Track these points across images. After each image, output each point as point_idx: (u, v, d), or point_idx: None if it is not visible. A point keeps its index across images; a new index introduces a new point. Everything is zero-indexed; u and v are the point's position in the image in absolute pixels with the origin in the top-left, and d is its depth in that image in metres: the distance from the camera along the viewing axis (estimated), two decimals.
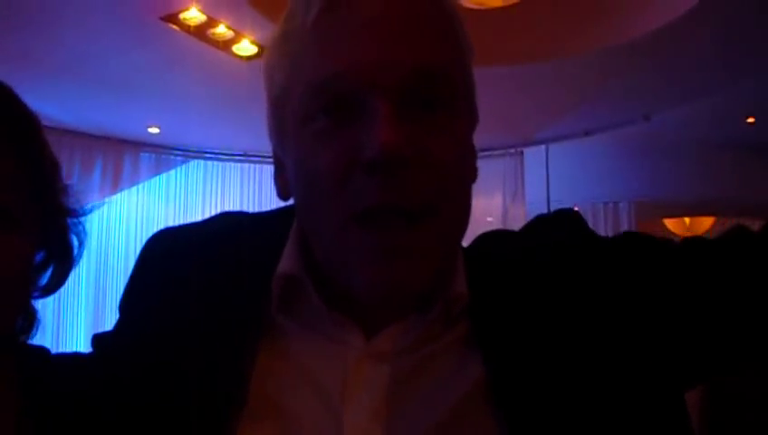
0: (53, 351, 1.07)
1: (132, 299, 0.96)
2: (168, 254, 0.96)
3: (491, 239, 0.97)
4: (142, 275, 0.96)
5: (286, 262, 0.86)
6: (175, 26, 4.44)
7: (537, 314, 0.84)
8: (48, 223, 1.00)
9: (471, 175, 0.88)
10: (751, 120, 6.81)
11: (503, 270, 0.88)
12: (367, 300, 0.82)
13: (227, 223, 1.00)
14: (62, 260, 1.05)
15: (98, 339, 1.01)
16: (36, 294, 1.03)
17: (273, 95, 0.87)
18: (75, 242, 1.06)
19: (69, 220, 1.04)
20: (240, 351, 0.84)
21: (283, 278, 0.85)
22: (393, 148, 0.74)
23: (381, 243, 0.77)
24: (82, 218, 1.06)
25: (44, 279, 1.04)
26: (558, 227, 0.96)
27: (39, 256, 1.02)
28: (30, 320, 1.05)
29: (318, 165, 0.79)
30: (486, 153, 7.02)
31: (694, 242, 0.92)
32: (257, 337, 0.85)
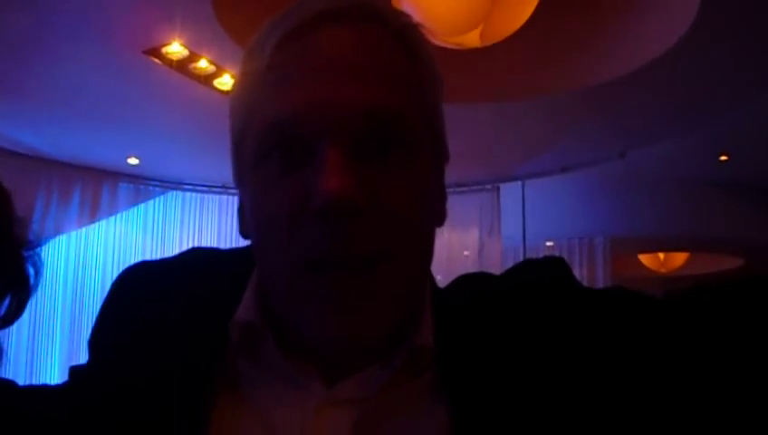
0: (27, 381, 1.06)
1: (99, 337, 0.94)
2: (134, 292, 0.93)
3: (469, 283, 0.94)
4: (109, 312, 0.94)
5: (244, 308, 0.84)
6: (157, 60, 4.46)
7: (508, 366, 0.80)
8: (2, 255, 1.00)
9: (433, 217, 0.84)
10: (724, 157, 6.92)
11: (476, 317, 0.85)
12: (319, 350, 0.80)
13: (195, 260, 0.98)
14: (19, 291, 1.04)
15: (72, 372, 0.99)
16: None
17: (233, 138, 0.84)
18: (31, 272, 1.06)
19: (24, 251, 1.04)
20: (198, 397, 0.81)
21: (239, 325, 0.82)
22: (340, 196, 0.71)
23: (330, 294, 0.74)
24: (38, 248, 1.06)
25: (1, 311, 1.03)
26: (542, 274, 0.91)
27: None
28: None
29: (268, 210, 0.77)
30: (463, 188, 7.07)
31: (679, 314, 0.86)
32: (216, 382, 0.83)
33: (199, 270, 0.93)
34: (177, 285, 0.92)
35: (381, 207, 0.74)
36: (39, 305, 6.79)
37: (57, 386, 1.03)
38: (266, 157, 0.77)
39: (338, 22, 0.78)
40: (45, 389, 1.06)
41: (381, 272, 0.75)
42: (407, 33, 0.82)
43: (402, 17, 0.83)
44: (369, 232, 0.74)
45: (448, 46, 3.77)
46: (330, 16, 0.78)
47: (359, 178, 0.73)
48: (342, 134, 0.74)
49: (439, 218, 0.87)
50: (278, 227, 0.76)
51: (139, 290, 0.93)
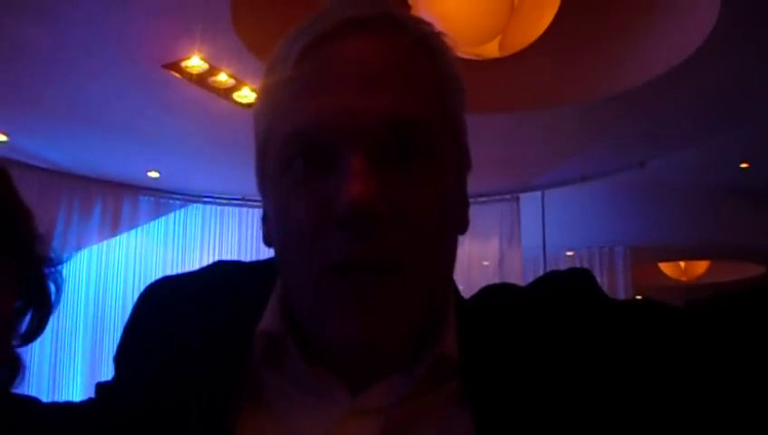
0: (49, 394, 1.07)
1: (124, 353, 0.95)
2: (158, 307, 0.94)
3: (494, 293, 0.93)
4: (133, 328, 0.95)
5: (268, 318, 0.84)
6: (177, 74, 4.49)
7: (532, 377, 0.80)
8: (24, 273, 1.01)
9: (455, 225, 0.84)
10: (745, 165, 6.87)
11: (501, 328, 0.84)
12: (342, 354, 0.80)
13: (219, 273, 0.98)
14: (41, 307, 1.06)
15: (99, 388, 0.99)
16: (17, 342, 1.04)
17: (257, 146, 0.85)
18: (53, 288, 1.08)
19: (45, 268, 1.06)
20: (222, 409, 0.82)
21: (264, 335, 0.83)
22: (363, 203, 0.71)
23: (353, 298, 0.75)
24: (59, 266, 1.08)
25: (24, 327, 1.05)
26: (568, 286, 0.89)
27: (17, 305, 1.03)
28: (13, 369, 1.05)
29: (292, 217, 0.77)
30: (483, 199, 7.07)
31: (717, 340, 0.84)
32: (240, 394, 0.83)
33: (222, 284, 0.94)
34: (200, 299, 0.92)
35: (404, 213, 0.74)
36: (61, 319, 6.83)
37: (81, 403, 1.03)
38: (290, 164, 0.78)
39: (362, 30, 0.79)
40: (69, 406, 1.07)
41: (405, 275, 0.75)
42: (429, 42, 0.83)
43: (425, 26, 0.84)
44: (392, 238, 0.74)
45: (467, 57, 3.77)
46: (354, 25, 0.78)
47: (381, 184, 0.73)
48: (365, 141, 0.74)
49: (461, 226, 0.87)
50: (302, 233, 0.76)
51: (163, 305, 0.94)
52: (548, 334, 0.83)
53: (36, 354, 6.57)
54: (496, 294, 0.93)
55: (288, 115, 0.78)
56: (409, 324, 0.78)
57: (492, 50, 3.76)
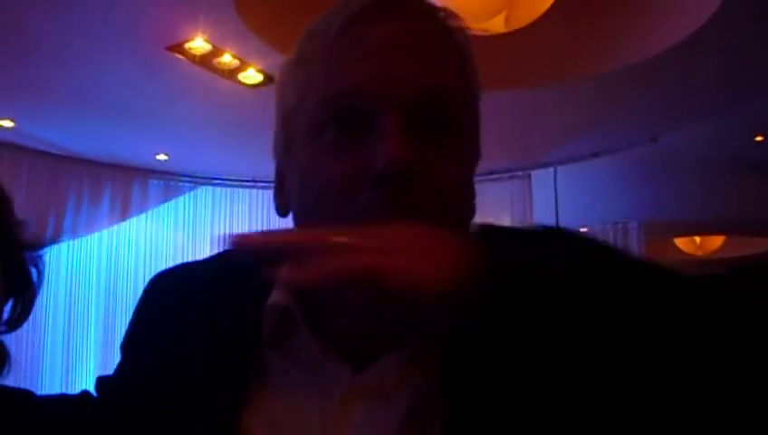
0: (63, 382, 1.07)
1: (133, 341, 0.96)
2: (167, 294, 0.96)
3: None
4: (141, 315, 0.97)
5: (278, 293, 0.85)
6: (180, 56, 4.47)
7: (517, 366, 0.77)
8: (7, 258, 1.02)
9: (473, 205, 0.87)
10: (759, 138, 6.79)
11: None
12: (350, 320, 0.82)
13: (227, 260, 0.97)
14: (24, 293, 1.07)
15: (99, 381, 1.01)
16: (2, 329, 1.05)
17: (284, 113, 0.88)
18: (34, 273, 1.08)
19: (26, 254, 1.07)
20: (231, 394, 0.83)
21: (273, 309, 0.85)
22: (402, 161, 0.74)
23: None
24: (39, 251, 1.10)
25: (6, 314, 1.05)
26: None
27: None
28: (1, 357, 1.06)
29: (323, 177, 0.79)
30: (494, 176, 7.04)
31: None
32: (249, 376, 0.85)
33: (231, 269, 0.93)
34: (206, 287, 0.93)
35: (432, 181, 0.77)
36: (73, 303, 6.89)
37: (76, 396, 1.03)
38: (323, 129, 0.80)
39: (397, 12, 0.83)
40: (63, 397, 1.06)
41: None
42: (455, 32, 0.87)
43: (452, 17, 0.88)
44: (422, 203, 0.76)
45: (474, 33, 3.72)
46: (389, 6, 0.83)
47: (416, 150, 0.76)
48: (401, 108, 0.78)
49: (472, 211, 0.88)
50: (331, 195, 0.78)
51: (171, 294, 0.96)
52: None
53: (49, 340, 6.64)
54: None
55: (325, 82, 0.81)
56: None
57: (498, 25, 3.73)
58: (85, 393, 1.02)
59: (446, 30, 0.86)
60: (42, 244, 1.10)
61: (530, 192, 7.30)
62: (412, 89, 0.78)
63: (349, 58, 0.81)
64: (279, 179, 0.91)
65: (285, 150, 0.88)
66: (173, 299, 0.95)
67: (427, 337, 0.81)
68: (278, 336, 0.85)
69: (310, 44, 0.86)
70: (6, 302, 1.04)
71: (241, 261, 0.96)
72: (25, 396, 1.04)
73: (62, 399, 1.06)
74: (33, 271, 1.09)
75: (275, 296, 0.85)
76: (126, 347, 0.97)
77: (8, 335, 1.07)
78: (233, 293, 0.89)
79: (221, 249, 0.99)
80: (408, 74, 0.79)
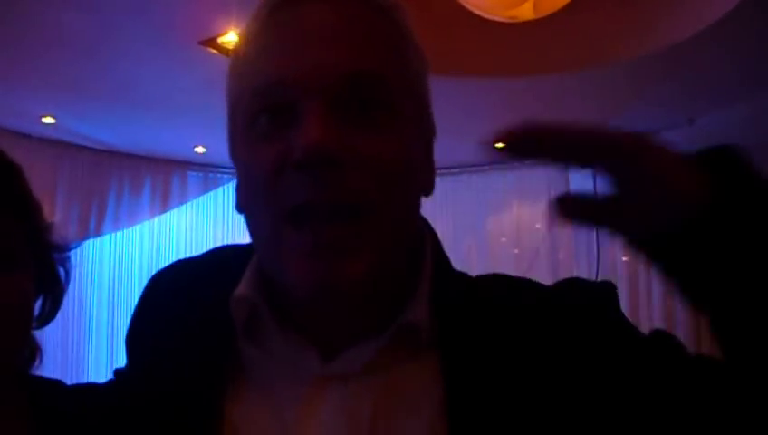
0: (108, 371, 1.13)
1: (133, 337, 1.00)
2: (163, 292, 0.99)
3: (510, 282, 0.95)
4: (141, 312, 1.01)
5: (243, 286, 0.88)
6: (213, 50, 4.51)
7: (514, 367, 0.82)
8: (38, 259, 1.08)
9: (416, 181, 0.87)
10: None
11: (494, 313, 0.86)
12: (306, 300, 0.84)
13: (220, 256, 1.03)
14: (53, 291, 1.13)
15: (115, 372, 1.06)
16: (34, 325, 1.09)
17: (229, 104, 0.89)
18: (62, 273, 1.15)
19: (55, 255, 1.13)
20: (209, 387, 0.86)
21: (238, 302, 0.87)
22: (320, 147, 0.75)
23: (313, 239, 0.77)
24: (67, 251, 1.16)
25: (37, 311, 1.11)
26: (584, 297, 0.89)
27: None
28: (33, 350, 1.12)
29: (255, 166, 0.81)
30: (531, 161, 6.95)
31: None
32: (227, 371, 0.87)
33: (223, 265, 0.97)
34: (198, 283, 0.96)
35: (363, 162, 0.77)
36: (116, 295, 7.01)
37: (101, 385, 1.09)
38: (255, 120, 0.82)
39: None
40: (91, 386, 1.13)
41: (364, 221, 0.78)
42: (388, 11, 0.86)
43: None
44: (350, 182, 0.77)
45: (503, 20, 3.72)
46: None
47: (340, 133, 0.77)
48: (324, 93, 0.78)
49: (426, 187, 0.89)
50: (262, 183, 0.80)
51: (167, 290, 0.99)
52: (545, 333, 0.84)
53: (94, 332, 6.75)
54: (505, 282, 0.95)
55: (253, 74, 0.83)
56: (368, 268, 0.79)
57: (527, 12, 3.70)
58: (109, 382, 1.07)
59: (377, 9, 0.85)
60: (68, 246, 1.16)
61: (567, 177, 7.24)
62: (336, 73, 0.78)
63: (273, 46, 0.82)
64: (238, 178, 0.91)
65: (232, 149, 0.89)
66: (167, 295, 0.98)
67: (406, 326, 0.83)
68: (251, 328, 0.88)
69: (245, 35, 0.88)
70: (37, 300, 1.10)
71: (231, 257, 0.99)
72: (55, 385, 1.12)
73: (90, 387, 1.13)
74: (62, 271, 1.14)
75: (240, 288, 0.87)
76: (127, 341, 1.01)
77: (55, 330, 1.15)
78: (220, 288, 0.91)
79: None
80: (329, 59, 0.79)
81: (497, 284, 0.95)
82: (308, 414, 0.83)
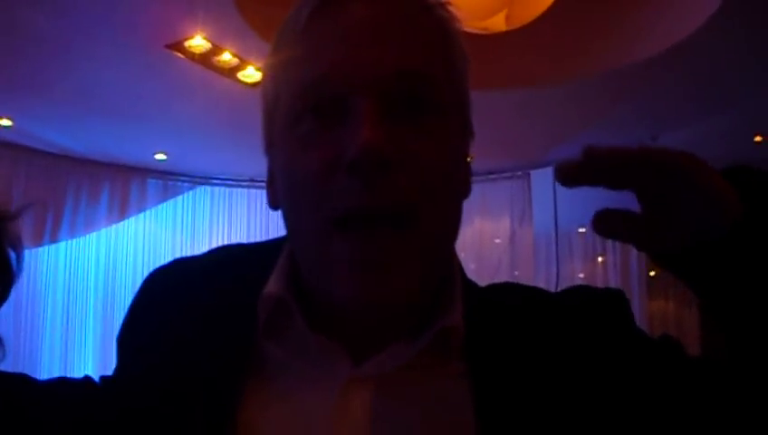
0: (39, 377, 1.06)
1: (129, 335, 0.95)
2: (165, 289, 0.94)
3: (518, 289, 0.95)
4: (139, 309, 0.95)
5: (273, 284, 0.84)
6: (180, 54, 4.46)
7: (539, 374, 0.82)
8: None
9: (460, 186, 0.85)
10: (759, 138, 6.79)
11: (516, 319, 0.86)
12: (348, 316, 0.81)
13: (223, 256, 0.99)
14: (3, 275, 1.07)
15: (101, 379, 0.99)
16: None
17: (266, 108, 0.86)
18: (12, 255, 1.08)
19: (3, 238, 1.07)
20: (227, 387, 0.82)
21: (268, 300, 0.83)
22: (375, 147, 0.73)
23: (362, 251, 0.75)
24: (15, 231, 1.09)
25: None
26: (596, 301, 0.91)
27: None
28: None
29: (301, 167, 0.78)
30: (493, 176, 7.03)
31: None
32: (245, 370, 0.83)
33: (227, 265, 0.94)
34: (204, 281, 0.92)
35: (412, 163, 0.75)
36: (71, 303, 6.88)
37: (73, 378, 1.01)
38: (299, 119, 0.79)
39: None
40: (61, 380, 1.05)
41: (409, 230, 0.76)
42: (435, 9, 0.84)
43: None
44: (403, 187, 0.75)
45: (474, 31, 3.72)
46: None
47: (391, 133, 0.74)
48: (375, 91, 0.76)
49: (465, 189, 0.87)
50: (310, 183, 0.77)
51: (169, 288, 0.94)
52: (562, 338, 0.85)
53: (48, 339, 6.62)
54: (521, 290, 0.95)
55: (298, 70, 0.80)
56: (417, 281, 0.78)
57: (498, 23, 3.72)
58: (87, 378, 1.00)
59: (424, 6, 0.83)
60: (10, 215, 1.09)
61: (529, 192, 7.29)
62: (385, 71, 0.76)
63: (319, 44, 0.79)
64: (270, 174, 0.89)
65: (268, 145, 0.87)
66: (169, 294, 0.93)
67: (443, 331, 0.81)
68: (275, 327, 0.84)
69: (285, 34, 0.84)
70: None
71: (238, 256, 0.96)
72: (23, 379, 1.04)
73: (63, 381, 1.05)
74: (12, 253, 1.08)
75: (270, 286, 0.84)
76: (122, 342, 0.95)
77: (8, 336, 1.08)
78: (228, 286, 0.89)
79: None
80: (380, 56, 0.77)
81: (510, 291, 0.94)
82: (338, 416, 0.80)
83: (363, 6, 0.80)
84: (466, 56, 0.87)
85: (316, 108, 0.78)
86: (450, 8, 0.86)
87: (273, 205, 0.87)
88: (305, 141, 0.78)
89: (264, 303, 0.83)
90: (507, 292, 0.93)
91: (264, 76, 0.88)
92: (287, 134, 0.81)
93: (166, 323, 0.90)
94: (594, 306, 0.89)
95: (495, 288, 0.94)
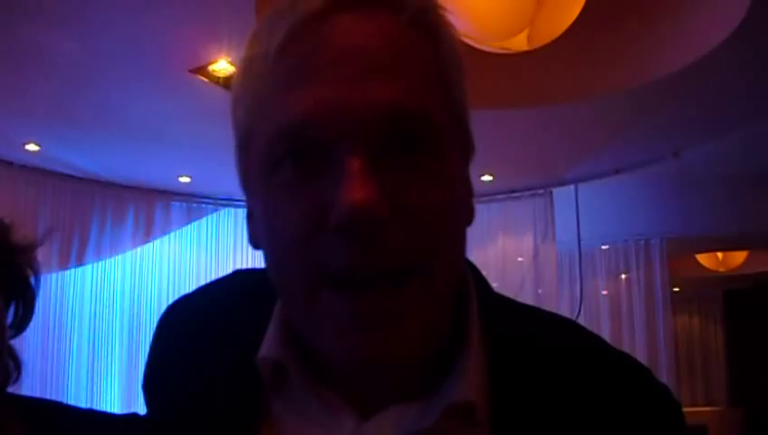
0: (87, 403, 1.07)
1: (150, 383, 0.92)
2: (177, 331, 0.91)
3: (562, 329, 0.85)
4: (155, 355, 0.92)
5: (268, 343, 0.78)
6: (204, 78, 4.50)
7: None
8: (3, 269, 1.03)
9: (464, 217, 0.76)
10: None
11: (554, 379, 0.77)
12: (348, 373, 0.74)
13: (235, 287, 0.93)
14: (24, 295, 1.09)
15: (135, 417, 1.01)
16: (10, 333, 1.06)
17: (238, 139, 0.77)
18: (31, 275, 1.10)
19: (19, 257, 1.08)
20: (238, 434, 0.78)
21: (264, 362, 0.77)
22: (364, 209, 0.63)
23: (359, 308, 0.67)
24: (33, 252, 1.10)
25: (10, 319, 1.07)
26: (656, 410, 0.80)
27: None
28: (14, 359, 1.08)
29: (283, 222, 0.69)
30: (516, 194, 7.02)
31: None
32: (256, 417, 0.79)
33: (239, 298, 0.88)
34: (215, 317, 0.88)
35: (409, 214, 0.66)
36: (98, 326, 6.93)
37: (117, 416, 1.03)
38: (278, 165, 0.69)
39: (353, 9, 0.69)
40: (92, 412, 1.09)
41: (413, 285, 0.68)
42: (428, 19, 0.73)
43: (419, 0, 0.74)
44: (398, 243, 0.66)
45: (496, 51, 3.74)
46: (341, 3, 0.69)
47: (383, 184, 0.65)
48: (365, 138, 0.66)
49: (468, 217, 0.77)
50: (294, 239, 0.68)
51: (181, 329, 0.90)
52: (602, 424, 0.76)
53: (74, 361, 6.66)
54: (563, 328, 0.85)
55: (274, 110, 0.69)
56: (420, 337, 0.70)
57: (520, 43, 3.73)
58: (134, 416, 1.01)
59: (419, 21, 0.72)
60: (33, 246, 1.10)
61: (552, 210, 7.27)
62: (378, 114, 0.66)
63: (298, 75, 0.68)
64: (249, 210, 0.80)
65: (244, 182, 0.79)
66: (184, 335, 0.89)
67: (452, 407, 0.73)
68: (278, 383, 0.79)
69: (254, 51, 0.73)
70: (9, 307, 1.06)
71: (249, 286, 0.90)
72: (60, 406, 1.07)
73: (99, 413, 1.07)
74: (30, 272, 1.10)
75: (265, 349, 0.78)
76: (145, 388, 0.92)
77: (35, 359, 1.09)
78: (242, 324, 0.83)
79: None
80: (370, 95, 0.66)
81: (562, 337, 0.83)
82: None
83: (345, 31, 0.69)
84: (462, 64, 0.77)
85: (296, 154, 0.68)
86: (441, 10, 0.76)
87: (255, 245, 0.78)
88: (285, 192, 0.69)
89: (261, 365, 0.78)
90: (550, 328, 0.84)
91: (234, 100, 0.77)
92: (265, 180, 0.71)
93: (181, 367, 0.86)
94: (650, 412, 0.78)
95: (535, 317, 0.85)
